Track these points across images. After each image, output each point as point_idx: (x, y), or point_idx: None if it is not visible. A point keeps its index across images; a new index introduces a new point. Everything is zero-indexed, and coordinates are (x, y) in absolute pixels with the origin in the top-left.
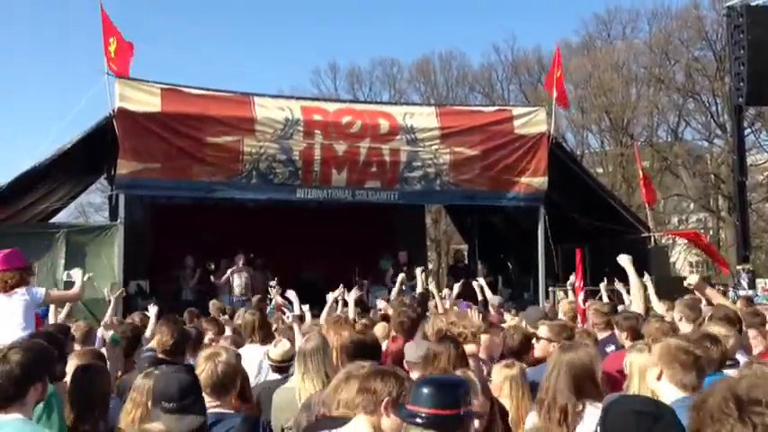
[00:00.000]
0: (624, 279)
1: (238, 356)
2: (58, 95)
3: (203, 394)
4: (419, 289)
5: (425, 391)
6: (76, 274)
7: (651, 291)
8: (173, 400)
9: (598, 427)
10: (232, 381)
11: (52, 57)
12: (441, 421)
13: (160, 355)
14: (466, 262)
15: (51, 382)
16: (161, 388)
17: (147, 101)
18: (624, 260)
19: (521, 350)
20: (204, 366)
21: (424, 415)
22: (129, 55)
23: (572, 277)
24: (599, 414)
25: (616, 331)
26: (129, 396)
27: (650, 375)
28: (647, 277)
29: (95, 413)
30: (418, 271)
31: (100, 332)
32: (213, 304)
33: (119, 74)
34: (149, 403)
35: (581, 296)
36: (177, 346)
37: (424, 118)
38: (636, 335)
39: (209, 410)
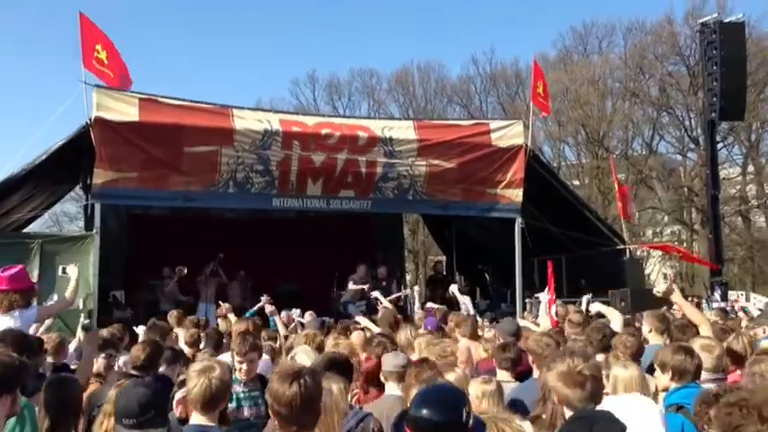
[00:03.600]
0: (603, 289)
1: (230, 371)
2: (33, 104)
3: (196, 407)
4: (417, 304)
5: (424, 411)
6: (72, 270)
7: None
8: (132, 416)
9: None
10: (224, 396)
11: (28, 64)
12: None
13: (131, 371)
14: (444, 273)
15: (24, 395)
16: (121, 405)
17: (124, 110)
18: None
19: (516, 361)
20: (197, 381)
21: None
22: (123, 65)
23: (544, 294)
24: None
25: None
26: (103, 408)
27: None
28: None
29: (69, 423)
30: (410, 291)
31: (74, 344)
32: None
33: (115, 83)
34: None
35: (554, 308)
36: (149, 361)
37: (402, 131)
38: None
39: (195, 424)
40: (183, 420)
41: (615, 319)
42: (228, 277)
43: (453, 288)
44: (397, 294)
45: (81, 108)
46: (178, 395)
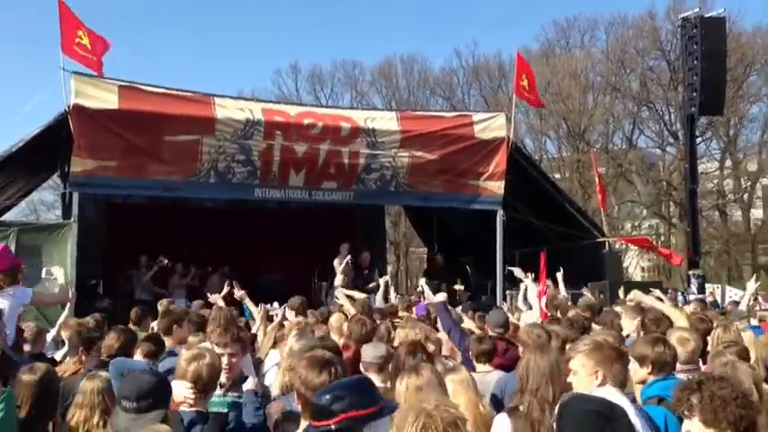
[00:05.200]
0: (582, 282)
1: (220, 358)
2: (10, 90)
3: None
4: (380, 297)
5: (318, 401)
6: (58, 272)
7: None
8: (132, 399)
9: (554, 423)
10: (214, 382)
11: (5, 51)
12: None
13: (104, 359)
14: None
15: (5, 385)
16: (124, 387)
17: (103, 98)
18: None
19: (491, 352)
20: (187, 368)
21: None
22: (102, 51)
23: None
24: None
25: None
26: (75, 399)
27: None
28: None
29: (46, 414)
30: (382, 281)
31: (51, 334)
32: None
33: (98, 69)
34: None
35: (543, 300)
36: (123, 350)
37: (385, 122)
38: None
39: (187, 410)
40: None
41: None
42: (211, 269)
43: (422, 282)
44: (376, 283)
45: (60, 95)
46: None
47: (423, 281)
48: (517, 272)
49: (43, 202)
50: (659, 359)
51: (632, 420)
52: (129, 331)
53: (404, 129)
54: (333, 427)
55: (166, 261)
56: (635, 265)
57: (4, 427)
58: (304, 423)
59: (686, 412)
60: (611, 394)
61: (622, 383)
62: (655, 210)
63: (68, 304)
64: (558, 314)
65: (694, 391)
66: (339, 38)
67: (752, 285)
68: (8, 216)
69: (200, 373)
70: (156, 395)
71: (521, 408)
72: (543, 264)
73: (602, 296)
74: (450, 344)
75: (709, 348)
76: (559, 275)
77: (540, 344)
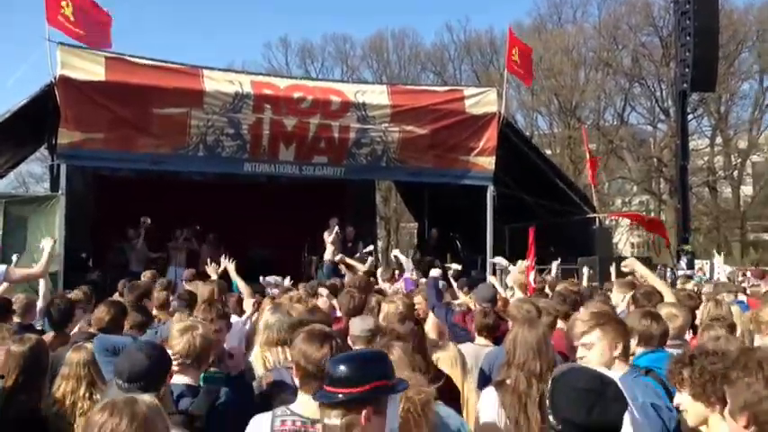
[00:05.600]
0: (572, 257)
1: (212, 331)
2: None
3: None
4: (365, 267)
5: (332, 369)
6: (47, 243)
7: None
8: (124, 379)
9: (546, 400)
10: (207, 355)
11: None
12: (343, 400)
13: (93, 330)
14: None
15: None
16: (119, 364)
17: (90, 69)
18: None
19: (495, 325)
20: (180, 339)
21: (328, 394)
22: (107, 23)
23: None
24: None
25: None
26: (60, 371)
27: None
28: None
29: (33, 384)
30: (367, 251)
31: (39, 304)
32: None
33: (96, 44)
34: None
35: (532, 275)
36: (113, 323)
37: (375, 95)
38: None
39: (178, 383)
40: None
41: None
42: (198, 241)
43: (396, 252)
44: (365, 251)
45: (45, 66)
46: None
47: (396, 251)
48: (499, 261)
49: (32, 174)
50: (646, 332)
51: (626, 394)
52: (119, 304)
53: (394, 103)
54: (362, 394)
55: (149, 220)
56: (624, 241)
57: None
58: (304, 395)
59: (677, 385)
60: (618, 368)
61: (630, 353)
62: (645, 186)
63: (46, 276)
64: (547, 289)
65: (686, 365)
66: (330, 12)
67: (719, 260)
68: None
69: (192, 345)
70: (147, 378)
71: (508, 381)
72: (532, 239)
73: (591, 271)
74: (439, 324)
75: (698, 323)
76: (555, 264)
77: (528, 318)
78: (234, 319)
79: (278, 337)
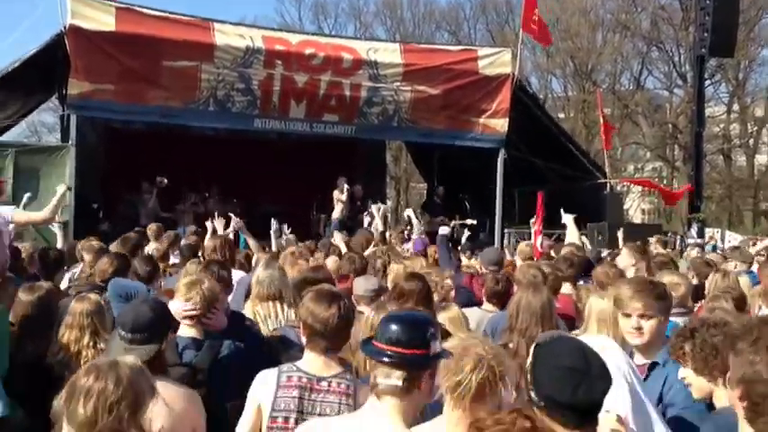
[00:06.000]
0: (582, 222)
1: (218, 285)
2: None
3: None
4: (377, 226)
5: (393, 328)
6: (60, 188)
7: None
8: (127, 330)
9: (528, 372)
10: (213, 308)
11: None
12: (408, 361)
13: (98, 282)
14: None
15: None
16: (121, 317)
17: (100, 19)
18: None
19: (504, 292)
20: (188, 294)
21: (390, 353)
22: None
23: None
24: None
25: None
26: (65, 320)
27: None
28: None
29: (41, 332)
30: (374, 208)
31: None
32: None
33: None
34: (89, 325)
35: (539, 239)
36: (116, 274)
37: (388, 54)
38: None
39: (183, 336)
40: None
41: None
42: (208, 195)
43: (409, 211)
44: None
45: (56, 14)
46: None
47: (409, 210)
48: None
49: (44, 123)
50: None
51: (614, 368)
52: (123, 256)
53: (407, 62)
54: (426, 357)
55: (165, 181)
56: (636, 207)
57: (2, 340)
58: (310, 353)
59: (680, 360)
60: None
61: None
62: (659, 152)
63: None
64: (553, 253)
65: (687, 339)
66: None
67: None
68: (7, 137)
69: (199, 298)
70: (151, 329)
71: (510, 345)
72: (540, 203)
73: (600, 237)
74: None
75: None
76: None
77: (534, 283)
78: (241, 274)
79: (268, 293)
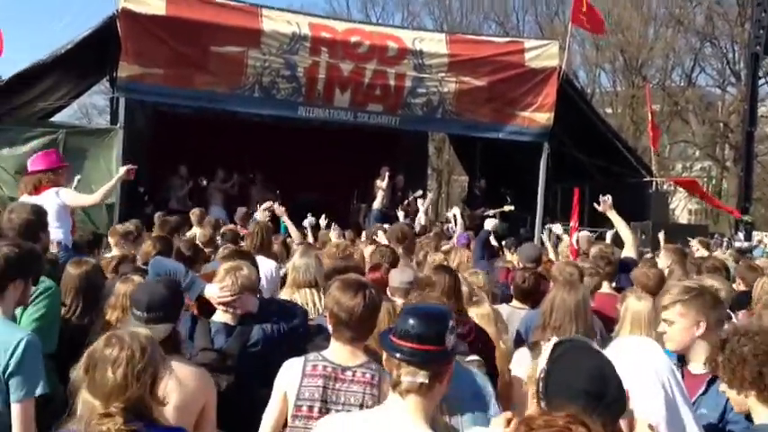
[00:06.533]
0: (628, 221)
1: (257, 270)
2: None
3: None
4: (421, 218)
5: (410, 322)
6: (121, 169)
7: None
8: (142, 309)
9: (541, 379)
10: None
11: None
12: (425, 359)
13: (141, 265)
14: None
15: (35, 284)
16: (136, 296)
17: (151, 2)
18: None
19: (532, 290)
20: (224, 278)
21: (405, 349)
22: None
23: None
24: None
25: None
26: (108, 301)
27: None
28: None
29: (87, 308)
30: (420, 201)
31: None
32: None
33: None
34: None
35: (575, 237)
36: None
37: (434, 44)
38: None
39: (216, 321)
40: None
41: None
42: (252, 178)
43: (456, 211)
44: (413, 197)
45: None
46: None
47: (455, 210)
48: (555, 228)
49: (95, 106)
50: None
51: (651, 373)
52: (165, 238)
53: (452, 52)
54: (448, 352)
55: (205, 182)
56: (682, 207)
57: (53, 318)
58: (336, 342)
59: (715, 372)
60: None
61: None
62: (708, 151)
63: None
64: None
65: (719, 350)
66: None
67: None
68: (59, 117)
69: (234, 284)
70: (166, 308)
71: (542, 344)
72: (576, 200)
73: (643, 236)
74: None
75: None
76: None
77: (570, 281)
78: (271, 266)
79: (304, 279)
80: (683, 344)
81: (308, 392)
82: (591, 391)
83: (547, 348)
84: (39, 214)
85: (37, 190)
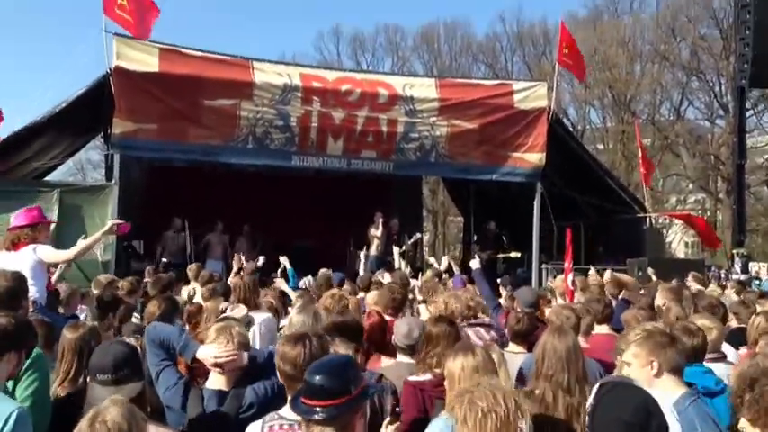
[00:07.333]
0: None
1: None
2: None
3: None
4: (397, 264)
5: (316, 378)
6: (104, 228)
7: None
8: (107, 372)
9: (587, 417)
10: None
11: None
12: (333, 414)
13: (144, 324)
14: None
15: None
16: (95, 361)
17: (144, 60)
18: None
19: (527, 332)
20: (216, 338)
21: (316, 409)
22: (153, 16)
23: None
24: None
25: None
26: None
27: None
28: None
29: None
30: (396, 251)
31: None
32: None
33: (139, 35)
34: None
35: (570, 277)
36: (163, 316)
37: (423, 89)
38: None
39: (213, 388)
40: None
41: None
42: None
43: (449, 259)
44: (413, 239)
45: (101, 57)
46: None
47: (449, 258)
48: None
49: (90, 161)
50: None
51: (672, 422)
52: (171, 299)
53: (442, 96)
54: (355, 400)
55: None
56: (678, 240)
57: (45, 388)
58: (289, 397)
59: (738, 408)
60: (666, 388)
61: (680, 368)
62: (701, 184)
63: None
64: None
65: (747, 389)
66: (381, 1)
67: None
68: (54, 175)
69: (232, 343)
70: (132, 365)
71: (536, 392)
72: (569, 240)
73: (640, 273)
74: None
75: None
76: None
77: (557, 326)
78: (265, 315)
79: None
80: (644, 384)
81: None
82: (636, 423)
83: (594, 387)
84: (19, 281)
85: (15, 246)
